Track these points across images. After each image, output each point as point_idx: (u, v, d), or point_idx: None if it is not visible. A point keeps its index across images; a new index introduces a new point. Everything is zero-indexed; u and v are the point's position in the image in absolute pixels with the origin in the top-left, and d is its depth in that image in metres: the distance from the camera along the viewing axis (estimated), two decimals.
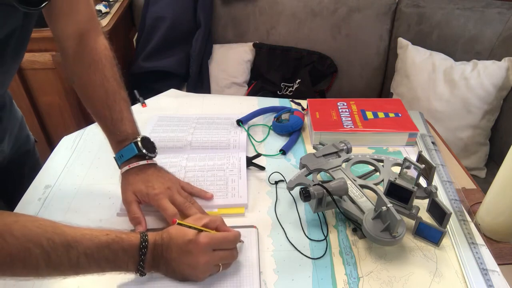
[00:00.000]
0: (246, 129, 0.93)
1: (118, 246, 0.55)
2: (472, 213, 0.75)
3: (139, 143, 0.70)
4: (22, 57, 0.72)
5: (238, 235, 0.62)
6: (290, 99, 1.07)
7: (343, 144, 0.79)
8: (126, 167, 0.70)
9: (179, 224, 0.57)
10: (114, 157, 0.73)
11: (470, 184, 0.84)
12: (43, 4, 0.53)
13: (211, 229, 0.61)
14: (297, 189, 0.70)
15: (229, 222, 0.70)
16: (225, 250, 0.60)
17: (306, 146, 0.91)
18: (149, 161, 0.72)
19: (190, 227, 0.58)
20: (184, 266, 0.58)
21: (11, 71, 0.72)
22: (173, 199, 0.69)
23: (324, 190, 0.66)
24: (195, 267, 0.58)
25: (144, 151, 0.70)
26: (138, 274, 0.57)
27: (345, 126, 0.90)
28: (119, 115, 0.71)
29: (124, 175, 0.71)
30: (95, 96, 0.71)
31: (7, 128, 0.82)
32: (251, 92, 1.74)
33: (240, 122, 0.94)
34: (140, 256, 0.56)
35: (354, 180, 0.72)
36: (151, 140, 0.74)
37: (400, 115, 0.94)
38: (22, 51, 0.71)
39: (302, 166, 0.76)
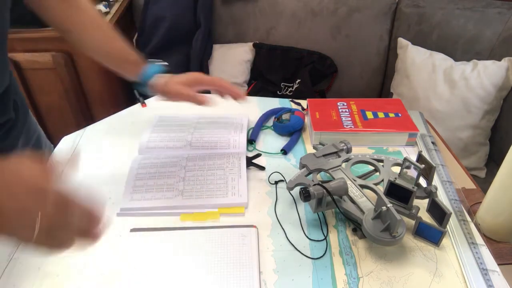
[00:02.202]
0: (256, 147, 0.89)
1: None
2: (472, 213, 0.75)
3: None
4: (5, 43, 0.71)
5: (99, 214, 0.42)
6: (290, 99, 1.07)
7: (343, 144, 0.79)
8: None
9: None
10: (139, 79, 0.77)
11: (470, 184, 0.84)
12: None
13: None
14: (297, 189, 0.70)
15: (229, 221, 0.70)
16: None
17: (306, 146, 0.91)
18: None
19: None
20: None
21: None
22: None
23: (324, 190, 0.66)
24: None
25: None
26: None
27: (345, 126, 0.90)
28: (126, 41, 0.75)
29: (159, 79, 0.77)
30: (94, 34, 0.74)
31: (21, 134, 0.81)
32: (251, 92, 1.74)
33: (253, 141, 0.91)
34: None
35: (354, 180, 0.72)
36: None
37: (400, 115, 0.94)
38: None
39: (302, 166, 0.76)
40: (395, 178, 0.67)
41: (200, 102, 0.74)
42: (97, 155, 0.87)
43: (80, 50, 0.78)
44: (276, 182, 0.80)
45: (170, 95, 0.77)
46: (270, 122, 0.98)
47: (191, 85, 0.76)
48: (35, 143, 0.87)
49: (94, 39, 0.76)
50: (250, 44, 1.76)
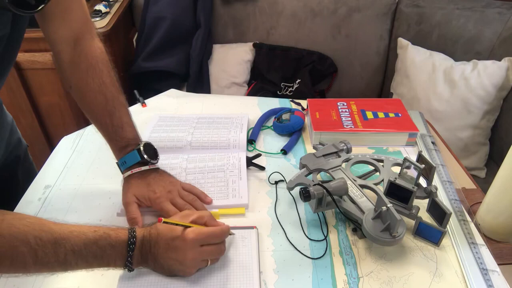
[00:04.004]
0: (256, 147, 0.90)
1: (106, 243, 0.55)
2: (472, 213, 0.75)
3: (142, 150, 0.71)
4: (12, 63, 0.70)
5: (226, 229, 0.62)
6: (290, 99, 1.07)
7: (343, 144, 0.79)
8: (129, 172, 0.71)
9: (165, 222, 0.58)
10: (117, 163, 0.73)
11: (470, 184, 0.84)
12: (40, 7, 0.52)
13: (200, 225, 0.61)
14: (297, 189, 0.70)
15: (229, 222, 0.70)
16: (213, 245, 0.61)
17: (306, 146, 0.91)
18: (151, 166, 0.73)
19: (176, 224, 0.59)
20: (172, 261, 0.58)
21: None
22: (174, 202, 0.70)
23: (324, 190, 0.66)
24: (182, 263, 0.58)
25: (146, 157, 0.71)
26: (126, 269, 0.58)
27: (345, 126, 0.90)
28: (119, 122, 0.71)
29: (126, 179, 0.72)
30: (93, 103, 0.71)
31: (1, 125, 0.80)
32: (251, 92, 1.74)
33: (253, 141, 0.91)
34: (128, 252, 0.56)
35: (354, 180, 0.72)
36: (153, 145, 0.75)
37: (400, 115, 0.94)
38: (12, 57, 0.69)
39: (302, 166, 0.76)
40: (395, 178, 0.67)
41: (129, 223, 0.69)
42: (97, 155, 0.87)
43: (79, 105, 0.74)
44: (276, 182, 0.80)
45: (123, 198, 0.71)
46: (270, 122, 0.98)
47: (141, 203, 0.70)
48: (10, 134, 0.86)
49: (94, 108, 0.72)
50: (250, 44, 1.76)
